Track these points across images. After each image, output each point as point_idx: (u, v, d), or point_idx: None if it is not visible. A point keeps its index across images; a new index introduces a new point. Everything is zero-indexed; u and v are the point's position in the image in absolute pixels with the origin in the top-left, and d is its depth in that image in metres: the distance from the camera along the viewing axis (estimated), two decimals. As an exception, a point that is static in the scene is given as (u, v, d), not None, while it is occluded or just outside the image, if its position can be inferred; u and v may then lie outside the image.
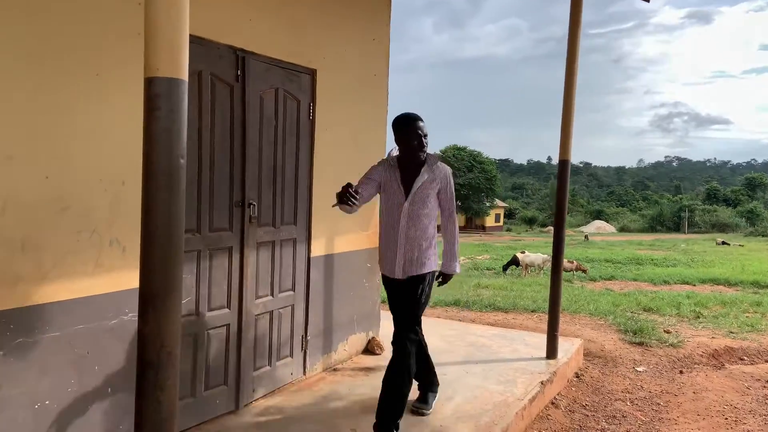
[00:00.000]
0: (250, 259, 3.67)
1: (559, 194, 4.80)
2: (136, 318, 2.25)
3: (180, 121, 1.35)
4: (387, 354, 4.83)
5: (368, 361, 4.68)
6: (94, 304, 2.69)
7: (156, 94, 1.32)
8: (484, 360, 4.79)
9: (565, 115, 4.70)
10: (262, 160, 3.71)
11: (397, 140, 3.41)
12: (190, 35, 3.17)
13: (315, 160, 4.14)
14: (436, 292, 9.87)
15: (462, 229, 54.86)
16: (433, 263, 3.46)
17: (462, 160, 52.25)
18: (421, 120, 3.40)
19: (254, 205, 3.66)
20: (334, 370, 4.44)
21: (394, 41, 5.04)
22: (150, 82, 1.32)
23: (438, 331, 5.72)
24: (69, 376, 2.61)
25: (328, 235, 4.36)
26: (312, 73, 4.09)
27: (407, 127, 3.35)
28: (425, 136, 3.38)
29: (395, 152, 3.50)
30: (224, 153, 3.45)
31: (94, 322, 2.70)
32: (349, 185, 3.04)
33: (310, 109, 4.09)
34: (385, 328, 5.28)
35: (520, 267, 17.24)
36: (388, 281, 3.53)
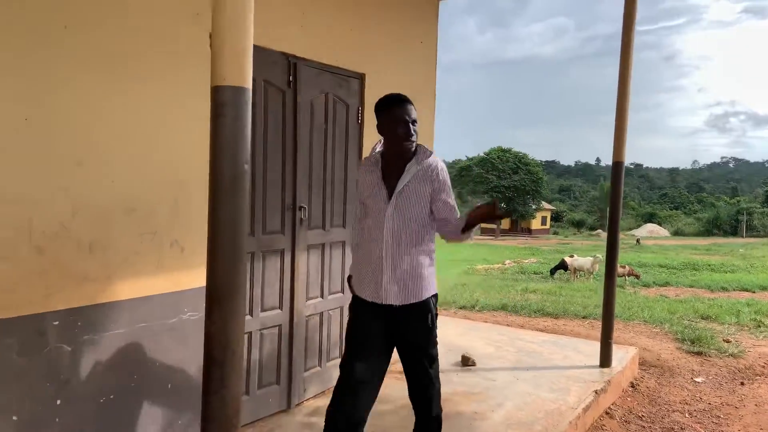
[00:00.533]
0: (301, 261, 3.73)
1: (613, 197, 4.68)
2: (195, 317, 2.33)
3: (244, 128, 1.39)
4: (435, 357, 4.83)
5: (416, 364, 4.67)
6: (155, 303, 2.79)
7: (222, 102, 1.37)
8: (534, 366, 4.71)
9: (619, 115, 4.59)
10: (312, 164, 3.77)
11: (380, 128, 2.64)
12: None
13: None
14: (480, 290, 9.77)
15: (506, 232, 54.20)
16: (433, 285, 2.70)
17: (507, 161, 51.59)
18: (409, 102, 2.61)
19: (305, 208, 3.72)
20: (383, 372, 4.46)
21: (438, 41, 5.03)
22: (216, 91, 1.37)
23: (486, 336, 5.67)
24: (132, 372, 2.72)
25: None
26: (361, 78, 4.13)
27: (390, 111, 2.57)
28: (413, 122, 2.57)
29: (379, 146, 2.76)
30: (276, 157, 3.52)
31: (155, 320, 2.80)
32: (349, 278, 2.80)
33: (358, 113, 4.13)
34: (439, 331, 5.27)
35: (568, 271, 16.88)
36: (369, 309, 2.63)
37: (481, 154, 52.98)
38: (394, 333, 2.64)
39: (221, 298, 1.40)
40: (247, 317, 3.42)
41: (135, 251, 2.69)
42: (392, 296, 2.57)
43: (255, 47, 3.25)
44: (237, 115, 1.38)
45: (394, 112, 2.55)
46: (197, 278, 2.98)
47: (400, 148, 2.58)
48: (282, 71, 3.51)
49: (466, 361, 4.71)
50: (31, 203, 2.32)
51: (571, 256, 17.63)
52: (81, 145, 2.47)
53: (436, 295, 2.72)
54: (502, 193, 50.04)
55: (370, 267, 2.60)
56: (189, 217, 2.92)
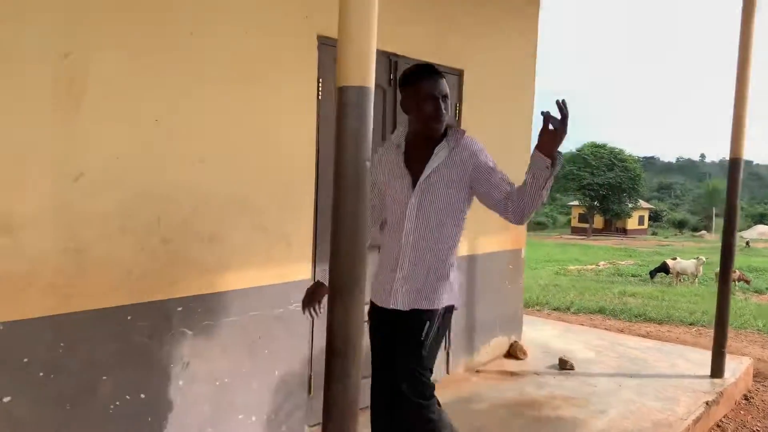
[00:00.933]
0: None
1: (730, 196, 4.37)
2: (299, 308, 2.43)
3: (367, 127, 1.44)
4: (530, 360, 4.74)
5: (511, 365, 4.60)
6: (265, 293, 2.94)
7: (347, 102, 1.42)
8: (638, 374, 4.49)
9: (737, 106, 4.25)
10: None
11: (404, 105, 2.23)
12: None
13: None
14: (574, 292, 9.36)
15: (600, 231, 51.88)
16: (448, 297, 2.24)
17: (601, 158, 49.33)
18: (439, 75, 2.17)
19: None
20: (477, 371, 4.43)
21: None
22: (342, 91, 1.42)
23: (583, 339, 5.48)
24: (243, 357, 2.88)
25: (471, 235, 4.36)
26: (459, 74, 4.11)
27: (417, 85, 2.15)
28: (444, 98, 2.16)
29: (399, 133, 2.32)
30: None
31: (265, 309, 2.94)
32: (314, 293, 2.37)
33: (456, 108, 4.12)
34: (528, 333, 5.17)
35: (670, 275, 15.92)
36: (377, 315, 2.31)
37: (573, 150, 51.01)
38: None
39: (343, 290, 1.45)
40: (348, 310, 3.52)
41: (248, 244, 2.85)
42: (400, 299, 2.20)
43: (358, 47, 3.34)
44: (360, 114, 1.42)
45: (421, 86, 2.13)
46: (302, 271, 3.11)
47: (427, 128, 2.16)
48: (384, 69, 3.57)
49: (564, 365, 4.58)
50: (160, 198, 2.51)
51: (674, 259, 16.61)
52: (203, 144, 2.64)
53: (451, 309, 2.28)
54: (595, 191, 47.95)
55: (387, 267, 2.25)
56: (295, 213, 3.05)
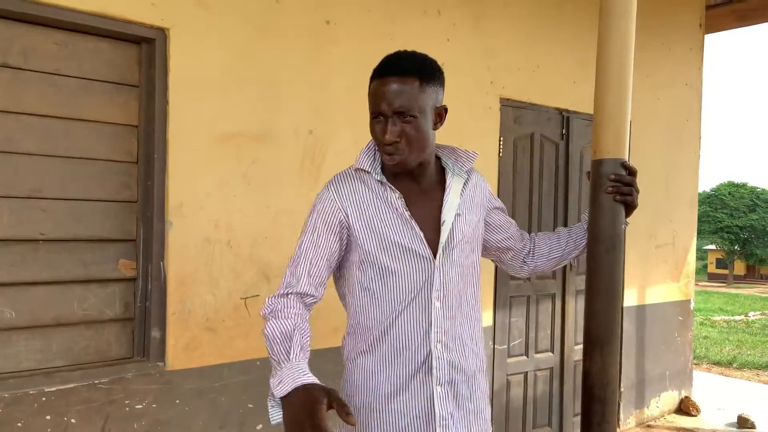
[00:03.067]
0: (570, 306, 3.84)
1: None
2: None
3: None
4: (704, 416, 4.50)
5: (684, 421, 4.40)
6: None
7: (604, 172, 1.60)
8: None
9: None
10: (580, 210, 3.90)
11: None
12: (526, 103, 3.55)
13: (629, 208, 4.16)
14: (729, 345, 8.65)
15: (742, 278, 47.20)
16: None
17: (741, 198, 45.28)
18: (402, 72, 1.30)
19: (574, 254, 3.84)
20: (648, 426, 4.29)
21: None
22: (600, 163, 1.61)
23: (759, 396, 5.09)
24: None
25: (639, 284, 4.31)
26: (626, 125, 4.17)
27: (370, 87, 1.36)
28: (401, 114, 1.30)
29: (365, 154, 1.41)
30: (549, 203, 3.72)
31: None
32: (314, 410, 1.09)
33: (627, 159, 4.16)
34: (699, 388, 4.92)
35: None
36: None
37: (707, 190, 47.36)
38: None
39: (601, 341, 1.60)
40: (523, 357, 3.62)
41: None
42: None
43: (534, 106, 3.56)
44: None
45: (372, 89, 1.35)
46: (484, 318, 3.28)
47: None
48: (556, 125, 3.74)
49: (744, 423, 4.30)
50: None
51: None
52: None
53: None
54: (735, 234, 43.96)
55: (395, 385, 1.35)
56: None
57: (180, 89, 2.24)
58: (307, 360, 1.21)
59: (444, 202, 1.39)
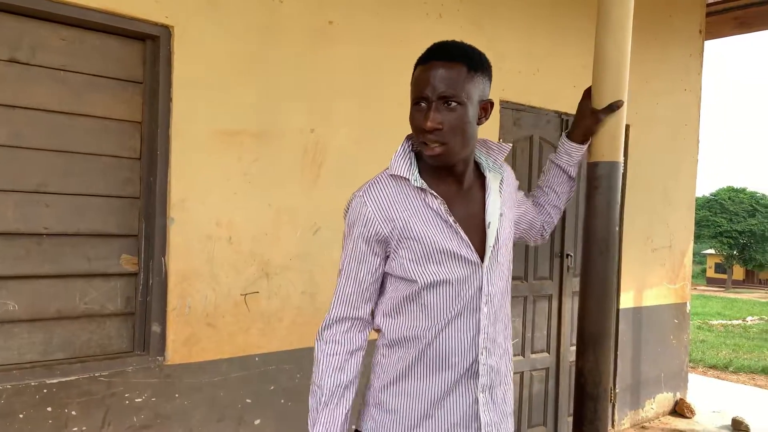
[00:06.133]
0: (567, 307, 3.87)
1: None
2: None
3: (615, 196, 1.63)
4: (699, 418, 4.53)
5: (678, 423, 4.43)
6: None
7: (599, 175, 1.63)
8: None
9: None
10: (578, 213, 3.93)
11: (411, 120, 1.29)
12: (526, 106, 3.58)
13: (625, 213, 4.19)
14: (726, 349, 8.74)
15: (741, 283, 47.25)
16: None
17: (740, 203, 45.33)
18: (450, 58, 1.25)
19: (571, 256, 3.87)
20: (642, 427, 4.32)
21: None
22: (595, 166, 1.64)
23: (753, 399, 5.13)
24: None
25: (635, 287, 4.34)
26: (626, 129, 4.20)
27: (413, 75, 1.30)
28: (447, 100, 1.23)
29: (400, 158, 1.30)
30: (548, 208, 3.76)
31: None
32: None
33: (623, 162, 4.19)
34: (694, 391, 4.95)
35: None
36: None
37: (707, 195, 47.42)
38: None
39: (594, 340, 1.63)
40: (520, 357, 3.65)
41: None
42: None
43: (534, 108, 3.58)
44: (611, 185, 1.63)
45: (415, 77, 1.29)
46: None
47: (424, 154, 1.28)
48: (554, 128, 3.77)
49: (739, 425, 4.34)
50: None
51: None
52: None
53: None
54: (734, 238, 43.99)
55: (443, 398, 1.30)
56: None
57: (183, 86, 2.27)
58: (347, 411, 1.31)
59: (486, 203, 1.33)
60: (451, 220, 1.27)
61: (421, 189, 1.27)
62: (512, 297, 1.47)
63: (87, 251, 2.19)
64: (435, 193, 1.27)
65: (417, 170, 1.29)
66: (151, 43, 2.26)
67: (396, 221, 1.26)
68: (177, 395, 2.30)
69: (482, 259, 1.29)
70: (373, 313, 1.36)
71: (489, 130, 3.34)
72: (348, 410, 1.30)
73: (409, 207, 1.27)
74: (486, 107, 1.31)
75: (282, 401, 2.56)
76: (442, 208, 1.26)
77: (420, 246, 1.25)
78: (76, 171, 2.15)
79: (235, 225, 2.42)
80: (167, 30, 2.24)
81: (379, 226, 1.26)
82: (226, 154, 2.39)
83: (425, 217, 1.26)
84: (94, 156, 2.19)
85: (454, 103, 1.22)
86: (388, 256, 1.30)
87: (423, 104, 1.24)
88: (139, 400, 2.21)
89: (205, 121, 2.34)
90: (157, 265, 2.27)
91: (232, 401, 2.44)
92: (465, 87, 1.23)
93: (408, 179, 1.27)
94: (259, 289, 2.49)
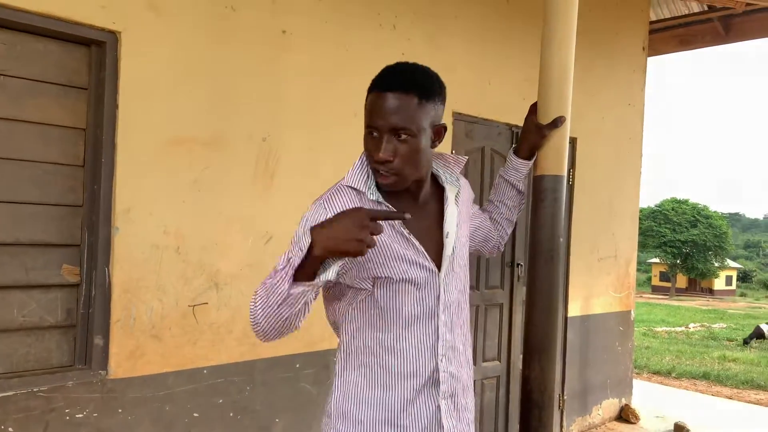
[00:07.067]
0: (517, 316, 3.95)
1: None
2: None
3: (560, 208, 1.69)
4: (643, 423, 4.69)
5: (624, 429, 4.57)
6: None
7: (545, 188, 1.68)
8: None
9: None
10: (528, 223, 4.02)
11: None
12: (478, 118, 3.66)
13: (572, 224, 4.32)
14: (669, 355, 9.09)
15: (683, 291, 49.22)
16: None
17: (683, 214, 47.35)
18: (402, 87, 1.25)
19: (521, 265, 3.95)
20: (590, 432, 4.44)
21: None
22: (541, 179, 1.69)
23: (694, 405, 5.34)
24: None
25: (582, 295, 4.47)
26: (573, 142, 4.34)
27: (367, 100, 1.30)
28: (398, 132, 1.25)
29: (358, 171, 1.34)
30: (499, 218, 3.84)
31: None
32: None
33: (569, 175, 4.33)
34: (638, 396, 5.12)
35: (766, 340, 14.91)
36: None
37: (652, 206, 49.33)
38: None
39: (540, 348, 1.67)
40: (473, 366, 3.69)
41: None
42: None
43: (486, 121, 3.66)
44: (555, 197, 1.68)
45: (369, 102, 1.30)
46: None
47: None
48: (506, 140, 3.86)
49: (680, 430, 4.51)
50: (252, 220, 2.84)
51: (770, 323, 15.60)
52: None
53: None
54: (677, 248, 45.84)
55: (407, 406, 1.32)
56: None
57: (130, 93, 2.22)
58: None
59: (445, 215, 1.38)
60: (405, 232, 1.30)
61: (378, 202, 1.31)
62: (468, 308, 1.50)
63: (26, 261, 2.10)
64: (390, 207, 1.30)
65: (374, 184, 1.32)
66: (97, 48, 2.20)
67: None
68: (120, 410, 2.22)
69: (439, 268, 1.34)
70: (335, 324, 1.40)
71: (444, 141, 3.39)
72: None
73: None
74: (439, 131, 1.34)
75: (231, 414, 2.51)
76: (397, 222, 1.29)
77: (378, 252, 1.28)
78: (15, 178, 2.07)
79: (184, 234, 2.37)
80: (114, 36, 2.19)
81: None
82: (175, 162, 2.34)
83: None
84: (35, 163, 2.11)
85: (405, 135, 1.25)
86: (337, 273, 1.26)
87: (375, 134, 1.27)
88: (80, 415, 2.13)
89: (153, 128, 2.29)
90: (100, 275, 2.19)
91: (179, 415, 2.37)
92: (416, 118, 1.25)
93: (365, 193, 1.31)
94: (208, 300, 2.44)
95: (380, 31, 3.06)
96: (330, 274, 1.18)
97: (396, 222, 1.29)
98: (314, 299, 1.23)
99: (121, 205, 2.21)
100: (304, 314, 1.23)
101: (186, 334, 2.38)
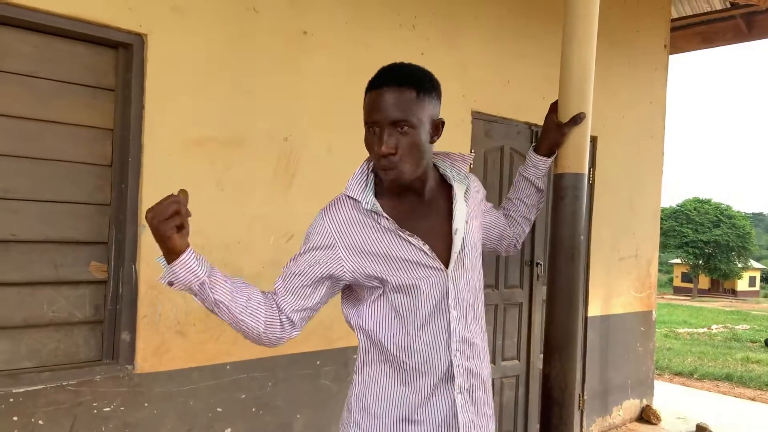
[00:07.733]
0: (536, 315, 3.94)
1: None
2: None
3: (581, 206, 1.69)
4: (665, 424, 4.64)
5: (645, 430, 4.53)
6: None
7: (565, 185, 1.68)
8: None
9: None
10: (547, 221, 4.01)
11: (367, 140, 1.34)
12: (497, 117, 3.65)
13: (592, 223, 4.29)
14: (691, 357, 8.95)
15: (706, 292, 48.44)
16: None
17: (706, 214, 46.60)
18: (401, 82, 1.29)
19: (541, 264, 3.94)
20: (610, 433, 4.41)
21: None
22: (561, 177, 1.69)
23: (716, 406, 5.27)
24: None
25: (602, 295, 4.44)
26: (593, 141, 4.31)
27: (365, 100, 1.34)
28: (401, 124, 1.27)
29: (357, 179, 1.38)
30: (518, 217, 3.83)
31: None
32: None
33: (590, 174, 4.30)
34: (660, 397, 5.07)
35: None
36: None
37: (674, 206, 48.62)
38: None
39: (560, 346, 1.67)
40: (491, 365, 3.69)
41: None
42: None
43: (505, 119, 3.65)
44: (576, 195, 1.68)
45: (367, 100, 1.32)
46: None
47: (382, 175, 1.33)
48: (525, 139, 3.85)
49: (702, 431, 4.45)
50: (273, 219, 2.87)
51: (798, 325, 15.26)
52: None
53: None
54: (699, 248, 45.13)
55: (423, 402, 1.35)
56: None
57: (156, 94, 2.27)
58: (205, 269, 1.30)
59: (454, 211, 1.38)
60: (404, 234, 1.33)
61: (372, 212, 1.33)
62: (483, 305, 1.51)
63: (55, 258, 2.16)
64: (387, 216, 1.33)
65: (372, 192, 1.35)
66: (124, 50, 2.25)
67: (352, 239, 1.33)
68: (146, 404, 2.27)
69: (446, 265, 1.35)
70: (351, 324, 1.44)
71: (461, 140, 3.40)
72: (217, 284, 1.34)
73: (365, 227, 1.33)
74: (437, 126, 1.36)
75: (253, 410, 2.55)
76: (393, 227, 1.32)
77: (380, 259, 1.32)
78: (44, 177, 2.13)
79: (207, 233, 2.41)
80: (140, 38, 2.24)
81: (334, 241, 1.33)
82: (198, 162, 2.39)
83: (379, 235, 1.33)
84: (64, 162, 2.17)
85: (406, 127, 1.28)
86: (340, 279, 1.34)
87: (376, 129, 1.29)
88: (108, 409, 2.18)
89: (178, 128, 2.33)
90: (127, 272, 2.25)
91: (203, 410, 2.42)
92: (415, 110, 1.28)
93: (360, 202, 1.34)
94: (231, 297, 2.48)
95: (399, 31, 3.08)
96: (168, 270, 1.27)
97: (393, 227, 1.32)
98: (220, 300, 1.33)
99: (147, 204, 2.25)
100: (238, 320, 1.33)
101: (209, 330, 2.43)
